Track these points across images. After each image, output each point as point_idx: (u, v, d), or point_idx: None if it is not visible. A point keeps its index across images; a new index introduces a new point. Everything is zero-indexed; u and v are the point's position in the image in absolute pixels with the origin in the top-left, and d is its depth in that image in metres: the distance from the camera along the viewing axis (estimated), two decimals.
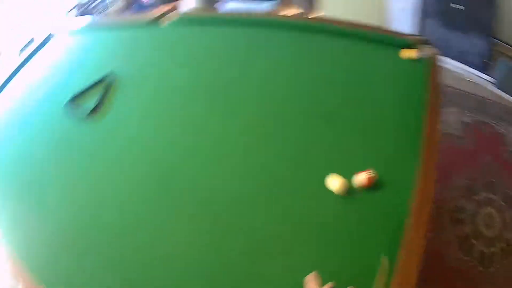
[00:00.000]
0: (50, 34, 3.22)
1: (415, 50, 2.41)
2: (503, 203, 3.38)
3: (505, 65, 4.47)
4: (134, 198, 1.94)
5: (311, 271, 1.53)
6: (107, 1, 6.36)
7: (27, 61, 3.00)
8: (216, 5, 5.93)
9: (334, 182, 1.79)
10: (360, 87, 2.28)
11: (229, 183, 1.92)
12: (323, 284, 1.48)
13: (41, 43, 3.14)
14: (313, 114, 2.15)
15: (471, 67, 4.81)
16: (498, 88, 4.57)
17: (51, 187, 2.10)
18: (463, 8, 4.62)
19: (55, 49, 3.07)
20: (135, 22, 3.12)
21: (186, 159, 2.06)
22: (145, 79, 2.61)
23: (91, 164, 2.15)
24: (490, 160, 3.74)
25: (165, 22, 3.00)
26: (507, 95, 4.51)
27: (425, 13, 5.01)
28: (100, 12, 6.24)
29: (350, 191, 1.77)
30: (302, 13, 5.66)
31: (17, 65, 2.97)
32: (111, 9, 6.39)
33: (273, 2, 5.54)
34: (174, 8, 3.75)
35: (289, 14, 5.52)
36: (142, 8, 6.12)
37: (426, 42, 2.47)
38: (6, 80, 2.88)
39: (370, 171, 1.72)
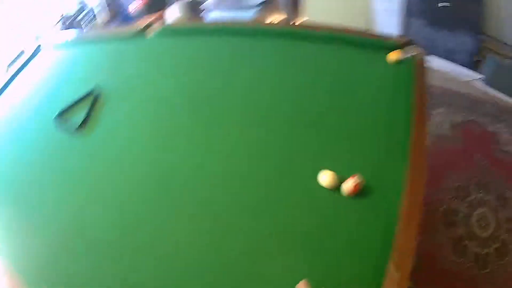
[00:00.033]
0: (38, 47, 3.21)
1: (400, 52, 2.41)
2: (496, 203, 3.37)
3: (494, 61, 4.48)
4: (126, 210, 1.93)
5: (300, 278, 1.51)
6: (93, 13, 6.37)
7: (18, 74, 3.00)
8: (201, 14, 5.94)
9: (324, 177, 1.80)
10: (346, 93, 2.27)
11: (217, 192, 1.90)
12: None
13: (30, 56, 3.13)
14: (299, 122, 2.14)
15: (459, 65, 4.81)
16: (488, 85, 4.57)
17: (43, 200, 2.09)
18: (449, 4, 4.61)
19: (44, 63, 3.06)
20: (120, 35, 3.11)
21: (174, 169, 2.05)
22: (132, 91, 2.60)
23: (83, 177, 2.14)
24: (481, 160, 3.74)
25: (150, 33, 2.99)
26: (497, 92, 4.51)
27: (410, 13, 5.02)
28: (86, 24, 6.24)
29: (339, 187, 1.77)
30: (286, 19, 5.67)
31: (8, 78, 2.96)
32: (97, 21, 6.40)
33: (257, 9, 5.55)
34: (159, 19, 3.76)
35: (273, 21, 5.54)
36: (128, 19, 6.13)
37: (411, 43, 2.47)
38: None
39: (356, 178, 1.71)
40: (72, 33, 3.36)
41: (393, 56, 2.39)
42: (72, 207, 2.00)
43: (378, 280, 1.45)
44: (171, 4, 5.63)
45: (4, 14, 5.72)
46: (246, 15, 5.50)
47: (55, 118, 2.47)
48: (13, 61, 3.13)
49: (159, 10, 3.85)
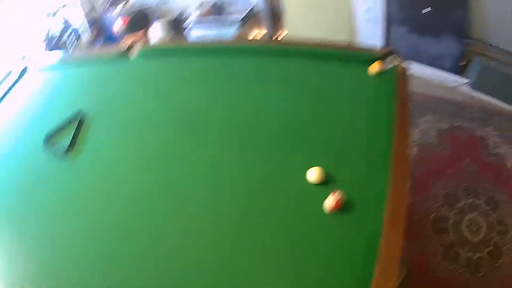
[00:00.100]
0: (25, 68, 3.21)
1: (381, 63, 2.42)
2: (487, 207, 3.39)
3: (480, 64, 4.50)
4: (113, 233, 1.91)
5: None
6: (77, 33, 6.38)
7: (5, 96, 2.99)
8: (184, 32, 5.97)
9: (312, 174, 1.84)
10: (327, 108, 2.27)
11: (203, 211, 1.90)
12: None
13: (17, 78, 3.13)
14: (282, 138, 2.15)
15: (445, 71, 4.82)
16: (474, 89, 4.58)
17: (32, 223, 2.06)
18: (432, 10, 4.62)
19: (30, 85, 3.06)
20: (104, 56, 3.11)
21: (160, 189, 2.04)
22: (116, 113, 2.60)
23: (72, 200, 2.11)
24: (470, 165, 3.76)
25: (134, 54, 3.00)
26: (483, 95, 4.52)
27: (392, 22, 5.04)
28: (71, 44, 6.26)
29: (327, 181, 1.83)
30: (267, 34, 5.70)
31: None
32: (81, 41, 6.42)
33: (238, 25, 5.57)
34: (142, 38, 3.76)
35: (256, 37, 5.57)
36: (111, 38, 6.16)
37: (392, 53, 2.48)
38: None
39: (337, 194, 1.71)
40: (57, 55, 3.36)
41: (374, 68, 2.40)
42: (61, 230, 1.99)
43: None
44: (153, 23, 5.66)
45: None
46: (228, 31, 5.52)
47: (42, 141, 2.47)
48: (1, 82, 3.12)
49: (141, 28, 3.85)
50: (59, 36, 6.17)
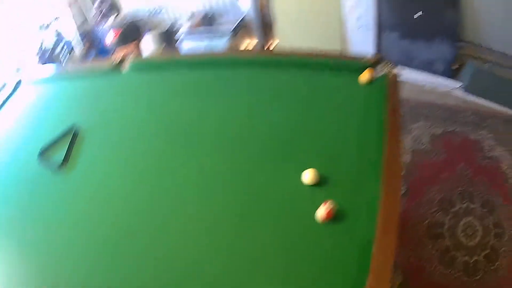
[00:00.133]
0: (19, 81, 3.22)
1: (372, 71, 2.43)
2: (482, 210, 3.39)
3: (473, 67, 4.50)
4: (109, 245, 1.91)
5: None
6: (71, 45, 6.39)
7: (0, 108, 3.00)
8: (176, 43, 5.99)
9: (306, 175, 1.87)
10: (318, 118, 2.28)
11: (197, 222, 1.91)
12: None
13: (11, 91, 3.14)
14: (273, 149, 2.16)
15: (437, 75, 4.82)
16: (467, 93, 4.58)
17: (28, 236, 2.06)
18: (424, 14, 4.62)
19: (24, 99, 3.07)
20: (96, 69, 3.12)
21: (154, 202, 2.05)
22: (110, 126, 2.61)
23: (67, 214, 2.12)
24: (464, 169, 3.76)
25: (126, 67, 3.01)
26: (477, 98, 4.52)
27: (383, 28, 5.03)
28: (64, 56, 6.26)
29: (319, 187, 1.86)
30: (258, 44, 5.71)
31: None
32: (74, 53, 6.42)
33: (229, 36, 5.59)
34: (134, 50, 3.77)
35: (247, 47, 5.58)
36: (104, 50, 6.16)
37: (382, 61, 2.49)
38: None
39: (328, 204, 1.72)
40: (51, 68, 3.36)
41: (365, 76, 2.41)
42: (57, 241, 1.99)
43: None
44: (145, 34, 5.66)
45: None
46: (219, 42, 5.53)
47: (37, 156, 2.48)
48: None
49: (133, 40, 3.85)
50: (52, 49, 6.18)
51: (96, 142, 2.51)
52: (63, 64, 6.19)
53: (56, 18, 6.28)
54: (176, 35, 6.05)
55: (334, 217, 1.71)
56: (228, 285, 1.64)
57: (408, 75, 4.94)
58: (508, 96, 4.44)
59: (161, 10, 6.34)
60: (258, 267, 1.67)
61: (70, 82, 3.13)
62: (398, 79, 2.36)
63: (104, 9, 6.41)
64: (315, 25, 5.39)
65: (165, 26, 6.42)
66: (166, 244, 1.85)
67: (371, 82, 2.40)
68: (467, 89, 4.65)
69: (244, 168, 2.10)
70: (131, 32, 3.94)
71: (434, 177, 3.72)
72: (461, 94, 4.68)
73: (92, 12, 6.46)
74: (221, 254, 1.75)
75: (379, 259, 1.50)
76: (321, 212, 1.71)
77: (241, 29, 5.90)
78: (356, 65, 2.52)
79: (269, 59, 2.87)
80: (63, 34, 6.38)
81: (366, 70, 2.44)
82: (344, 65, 2.58)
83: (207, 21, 5.88)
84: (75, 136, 2.54)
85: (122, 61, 3.06)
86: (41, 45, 6.15)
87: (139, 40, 4.00)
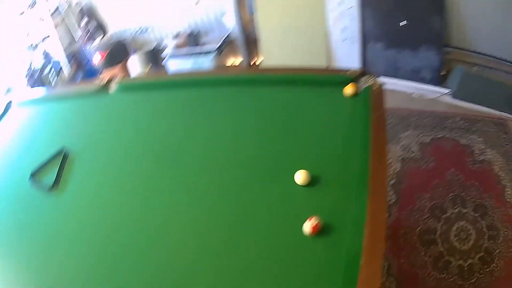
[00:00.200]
0: (9, 103, 3.23)
1: (355, 84, 2.45)
2: (475, 214, 3.40)
3: (461, 72, 4.50)
4: (103, 259, 1.95)
5: None
6: (59, 66, 6.39)
7: None
8: (162, 62, 6.00)
9: (298, 176, 1.94)
10: (304, 134, 2.31)
11: (185, 241, 1.93)
12: None
13: (2, 113, 3.15)
14: (258, 167, 2.19)
15: (425, 83, 4.83)
16: (456, 98, 4.59)
17: (23, 252, 2.10)
18: (408, 22, 4.63)
19: (14, 120, 3.09)
20: (84, 91, 3.14)
21: (143, 221, 2.08)
22: (98, 147, 2.64)
23: (59, 234, 2.13)
24: (455, 175, 3.77)
25: (113, 88, 3.03)
26: (465, 103, 4.53)
27: (368, 39, 5.03)
28: (53, 77, 6.27)
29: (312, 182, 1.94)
30: (243, 62, 5.72)
31: None
32: (63, 74, 6.43)
33: (214, 54, 5.61)
34: (122, 71, 3.79)
35: (232, 65, 5.60)
36: (92, 71, 6.17)
37: (366, 73, 2.51)
38: None
39: (313, 219, 1.74)
40: (40, 90, 3.38)
41: (349, 89, 2.43)
42: (51, 260, 2.01)
43: None
44: (132, 55, 5.69)
45: None
46: (205, 60, 5.55)
47: (29, 178, 2.49)
48: None
49: (120, 61, 3.87)
50: (40, 70, 6.19)
51: (86, 164, 2.54)
52: (52, 85, 6.19)
53: (44, 38, 6.29)
54: (162, 54, 6.07)
55: (321, 230, 1.73)
56: None
57: (396, 84, 4.96)
58: (496, 98, 4.45)
59: (146, 30, 6.36)
60: (247, 283, 1.69)
61: (59, 104, 3.15)
62: (382, 91, 2.38)
63: (90, 30, 6.43)
64: (300, 40, 5.41)
65: (151, 45, 6.44)
66: (157, 262, 1.87)
67: (355, 95, 2.42)
68: (456, 94, 4.66)
69: (231, 187, 2.12)
70: (118, 52, 3.98)
71: (424, 184, 3.73)
72: (449, 100, 4.70)
73: (79, 33, 6.47)
74: (209, 272, 1.77)
75: (367, 271, 1.52)
76: (307, 227, 1.72)
77: (226, 47, 5.93)
78: (340, 78, 2.55)
79: (254, 77, 2.91)
80: (51, 55, 6.39)
81: (350, 83, 2.46)
82: (328, 80, 2.61)
83: (193, 39, 5.89)
84: (65, 158, 2.55)
85: (109, 82, 3.07)
86: (30, 66, 6.16)
87: (126, 61, 4.02)
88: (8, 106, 3.21)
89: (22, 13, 5.98)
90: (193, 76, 3.28)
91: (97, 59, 3.81)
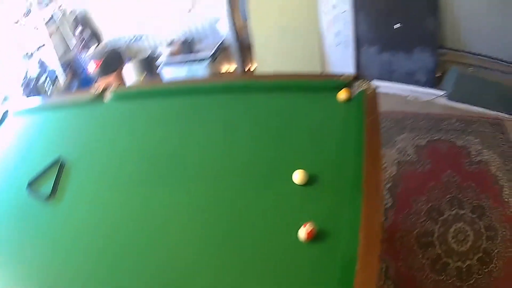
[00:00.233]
0: (6, 112, 3.24)
1: (349, 89, 2.45)
2: (472, 216, 3.41)
3: (456, 73, 4.50)
4: (101, 267, 1.95)
5: None
6: (55, 75, 6.39)
7: None
8: (157, 70, 6.01)
9: (296, 176, 1.96)
10: (297, 140, 2.32)
11: (180, 249, 1.94)
12: None
13: None
14: (253, 174, 2.19)
15: (420, 85, 4.83)
16: (451, 100, 4.59)
17: (22, 260, 2.11)
18: (402, 25, 4.63)
19: (11, 130, 3.11)
20: (80, 100, 3.14)
21: (139, 229, 2.08)
22: (95, 157, 2.64)
23: (57, 243, 2.14)
24: (451, 177, 3.77)
25: (108, 97, 3.04)
26: (461, 104, 4.53)
27: (362, 43, 5.03)
28: (48, 86, 6.27)
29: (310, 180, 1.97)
30: (237, 68, 5.73)
31: None
32: (59, 83, 6.43)
33: (208, 61, 5.61)
34: (117, 79, 3.78)
35: (227, 71, 5.61)
36: (88, 79, 6.17)
37: (360, 78, 2.51)
38: None
39: (308, 226, 1.74)
40: (36, 99, 3.39)
41: (342, 94, 2.43)
42: (47, 272, 2.02)
43: None
44: (126, 63, 5.68)
45: None
46: (199, 67, 5.55)
47: (26, 187, 2.50)
48: None
49: (115, 69, 3.86)
50: (36, 79, 6.19)
51: (83, 172, 2.54)
52: (48, 94, 6.20)
53: (39, 47, 6.29)
54: (157, 62, 6.07)
55: (316, 236, 1.73)
56: None
57: (390, 87, 4.96)
58: (492, 98, 4.46)
59: (141, 38, 6.37)
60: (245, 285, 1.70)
61: (55, 113, 3.15)
62: (376, 95, 2.39)
63: (85, 38, 6.43)
64: (293, 45, 5.41)
65: (146, 53, 6.47)
66: (153, 270, 1.87)
67: (349, 100, 2.42)
68: (451, 96, 4.66)
69: (227, 193, 2.13)
70: (113, 61, 3.95)
71: (420, 187, 3.73)
72: (445, 101, 4.70)
73: (74, 41, 6.47)
74: (206, 279, 1.77)
75: (363, 275, 1.52)
76: (302, 233, 1.73)
77: (220, 53, 5.96)
78: (333, 84, 2.55)
79: (248, 84, 2.91)
80: (47, 64, 6.39)
81: (343, 88, 2.46)
82: (322, 85, 2.61)
83: (187, 47, 5.91)
84: (61, 167, 2.56)
85: (104, 91, 3.08)
86: (26, 75, 6.16)
87: (121, 69, 4.01)
88: (4, 116, 3.21)
89: (17, 22, 5.97)
90: (187, 84, 3.29)
91: (92, 68, 3.81)
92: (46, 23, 6.20)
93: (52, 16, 6.28)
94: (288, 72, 2.79)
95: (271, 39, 5.46)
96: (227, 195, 2.12)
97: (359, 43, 5.10)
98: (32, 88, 6.08)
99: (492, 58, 4.57)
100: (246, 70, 5.91)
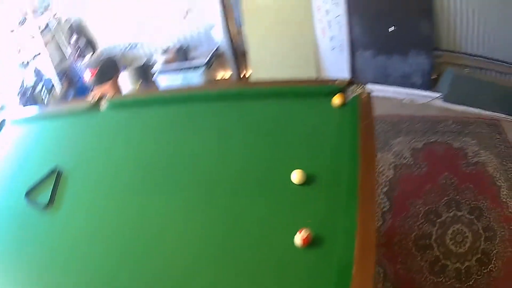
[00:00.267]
0: (3, 121, 3.24)
1: (343, 94, 2.46)
2: (470, 217, 3.41)
3: (452, 74, 4.50)
4: (99, 275, 1.96)
5: None
6: (51, 83, 6.39)
7: None
8: (152, 78, 6.02)
9: (294, 175, 1.99)
10: (293, 146, 2.33)
11: (177, 257, 1.95)
12: None
13: None
14: (249, 181, 2.20)
15: (416, 88, 4.83)
16: (447, 101, 4.59)
17: (21, 268, 2.12)
18: (396, 28, 4.63)
19: (8, 139, 3.12)
20: (76, 109, 3.15)
21: (137, 237, 2.09)
22: (91, 166, 2.65)
23: (56, 251, 2.14)
24: (448, 178, 3.77)
25: (104, 106, 3.05)
26: (457, 106, 4.53)
27: (357, 47, 5.03)
28: (45, 95, 6.27)
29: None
30: (232, 75, 5.74)
31: None
32: (55, 92, 6.43)
33: (203, 69, 5.62)
34: (112, 88, 3.79)
35: (222, 78, 5.62)
36: (84, 87, 6.17)
37: (354, 83, 2.52)
38: None
39: (303, 232, 1.74)
40: (33, 108, 3.39)
41: (337, 100, 2.44)
42: (46, 281, 2.02)
43: None
44: (122, 71, 5.69)
45: None
46: (194, 75, 5.56)
47: (24, 196, 2.50)
48: None
49: (111, 78, 3.87)
50: (32, 87, 6.19)
51: (80, 181, 2.55)
52: (45, 103, 6.20)
53: (35, 56, 6.30)
54: (152, 69, 6.08)
55: (312, 241, 1.74)
56: None
57: (386, 91, 4.96)
58: (488, 98, 4.47)
59: (136, 45, 6.38)
60: None
61: (51, 122, 3.16)
62: (370, 100, 2.39)
63: (80, 47, 6.44)
64: (288, 51, 5.42)
65: (141, 61, 6.48)
66: (151, 276, 1.88)
67: (343, 105, 2.43)
68: (447, 97, 4.66)
69: (223, 200, 2.14)
70: (108, 69, 3.96)
71: (417, 190, 3.73)
72: (441, 103, 4.70)
73: (69, 50, 6.48)
74: (203, 286, 1.78)
75: (359, 280, 1.52)
76: (298, 240, 1.73)
77: (215, 60, 5.98)
78: (328, 89, 2.56)
79: (242, 91, 2.93)
80: (43, 72, 6.39)
81: (338, 93, 2.47)
82: (317, 91, 2.62)
83: (182, 54, 5.92)
84: (59, 176, 2.57)
85: (100, 99, 3.09)
86: (22, 84, 6.16)
87: (117, 77, 4.02)
88: (1, 125, 3.21)
89: (12, 31, 5.98)
90: (182, 92, 3.30)
91: (88, 76, 3.81)
92: (42, 31, 6.20)
93: (47, 24, 6.28)
94: (282, 78, 2.78)
95: (266, 45, 5.47)
96: (222, 202, 2.13)
97: (354, 47, 5.10)
98: (28, 97, 6.08)
99: (488, 59, 4.57)
100: (241, 76, 5.91)
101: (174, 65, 5.89)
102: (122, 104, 3.12)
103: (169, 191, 2.29)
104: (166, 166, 2.47)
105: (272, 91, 2.76)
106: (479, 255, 3.13)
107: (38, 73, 6.34)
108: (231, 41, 5.70)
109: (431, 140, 4.24)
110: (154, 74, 5.99)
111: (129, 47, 6.41)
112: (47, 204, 2.41)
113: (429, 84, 4.86)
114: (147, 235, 2.08)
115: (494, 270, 3.02)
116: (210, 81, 5.72)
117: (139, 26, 6.21)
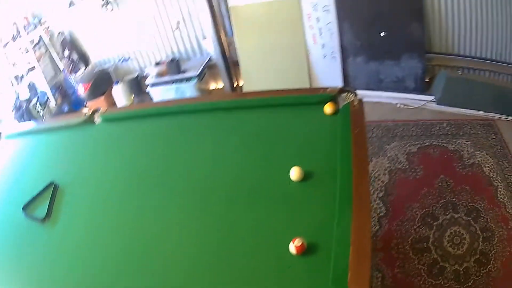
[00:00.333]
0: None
1: (334, 103, 2.47)
2: (467, 218, 3.41)
3: (445, 76, 4.51)
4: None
5: None
6: (46, 96, 6.40)
7: None
8: (146, 89, 6.03)
9: (292, 172, 2.03)
10: (284, 155, 2.34)
11: (174, 266, 1.95)
12: None
13: None
14: (243, 190, 2.21)
15: (410, 92, 4.83)
16: (441, 104, 4.59)
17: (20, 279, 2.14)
18: (387, 33, 4.64)
19: (4, 153, 3.16)
20: (71, 122, 3.17)
21: (134, 248, 2.11)
22: (87, 179, 2.67)
23: (54, 264, 2.16)
24: (444, 181, 3.77)
25: (98, 120, 3.07)
26: (451, 108, 4.53)
27: (348, 54, 5.03)
28: (40, 108, 6.27)
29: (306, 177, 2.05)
30: (224, 86, 5.75)
31: None
32: (50, 104, 6.43)
33: (196, 80, 5.63)
34: (105, 101, 3.82)
35: (215, 89, 5.63)
36: (78, 101, 6.18)
37: (345, 91, 2.53)
38: None
39: (297, 241, 1.75)
40: (28, 122, 3.40)
41: (328, 108, 2.45)
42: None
43: None
44: (115, 84, 5.70)
45: None
46: (186, 86, 5.57)
47: (21, 210, 2.51)
48: None
49: (104, 91, 3.89)
50: (27, 102, 6.19)
51: (76, 194, 2.57)
52: (40, 117, 6.21)
53: (29, 70, 6.31)
54: (145, 82, 6.09)
55: (307, 249, 1.75)
56: None
57: (379, 96, 4.96)
58: (482, 99, 4.47)
59: (128, 58, 6.39)
60: None
61: (46, 136, 3.20)
62: (362, 107, 2.40)
63: (73, 61, 6.44)
64: (280, 60, 5.44)
65: (134, 74, 6.50)
66: (149, 285, 1.89)
67: (335, 112, 2.44)
68: (441, 100, 4.66)
69: (217, 210, 2.15)
70: (102, 82, 4.00)
71: (413, 194, 3.73)
72: (435, 106, 4.70)
73: (62, 64, 6.48)
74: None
75: (354, 286, 1.53)
76: (292, 249, 1.74)
77: (207, 71, 6.00)
78: (319, 97, 2.58)
79: (235, 102, 2.94)
80: (37, 86, 6.40)
81: (329, 101, 2.48)
82: (308, 100, 2.63)
83: (174, 66, 5.91)
84: (55, 189, 2.58)
85: (94, 113, 3.10)
86: (17, 97, 6.17)
87: (110, 90, 4.05)
88: None
89: (6, 45, 5.99)
90: (175, 104, 3.31)
91: (81, 91, 3.83)
92: (35, 46, 6.21)
93: (40, 38, 6.30)
94: (274, 88, 2.78)
95: (257, 55, 5.49)
96: (217, 210, 2.14)
97: (345, 54, 5.10)
98: (23, 111, 6.09)
99: (480, 59, 4.59)
100: (234, 87, 5.92)
101: (167, 77, 5.90)
102: (116, 117, 3.14)
103: (165, 201, 2.31)
104: (161, 177, 2.49)
105: (264, 101, 2.77)
106: (478, 256, 3.13)
107: (32, 87, 6.35)
108: (223, 52, 5.71)
109: (426, 144, 4.25)
110: (147, 86, 6.00)
111: (121, 60, 6.42)
112: (45, 217, 2.42)
113: (423, 88, 4.86)
114: (144, 244, 2.10)
115: (493, 270, 3.01)
116: (203, 92, 5.73)
117: (131, 39, 6.23)
